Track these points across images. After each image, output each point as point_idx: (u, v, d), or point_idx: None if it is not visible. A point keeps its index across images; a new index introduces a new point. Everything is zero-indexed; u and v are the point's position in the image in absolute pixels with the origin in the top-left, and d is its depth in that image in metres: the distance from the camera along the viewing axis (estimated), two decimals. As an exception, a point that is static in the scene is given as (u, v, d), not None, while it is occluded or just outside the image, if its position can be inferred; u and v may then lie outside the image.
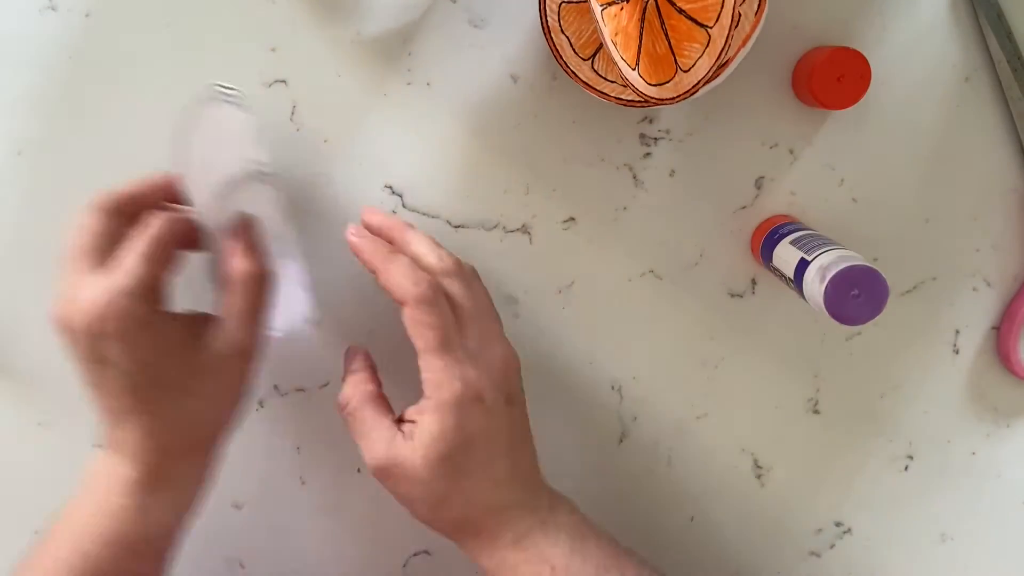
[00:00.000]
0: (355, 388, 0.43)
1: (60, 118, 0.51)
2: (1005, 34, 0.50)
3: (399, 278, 0.41)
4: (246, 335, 0.42)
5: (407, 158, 0.51)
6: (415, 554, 0.56)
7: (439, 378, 0.40)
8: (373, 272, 0.42)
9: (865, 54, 0.48)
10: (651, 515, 0.56)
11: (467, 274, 0.44)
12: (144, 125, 0.51)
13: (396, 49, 0.50)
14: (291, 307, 0.46)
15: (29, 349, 0.53)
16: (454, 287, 0.43)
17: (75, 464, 0.54)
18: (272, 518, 0.44)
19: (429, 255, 0.43)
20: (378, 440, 0.41)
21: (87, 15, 0.50)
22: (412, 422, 0.41)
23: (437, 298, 0.40)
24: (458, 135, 0.51)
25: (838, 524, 0.56)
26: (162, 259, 0.40)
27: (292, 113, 0.51)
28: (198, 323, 0.42)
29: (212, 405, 0.42)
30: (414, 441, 0.40)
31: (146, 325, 0.38)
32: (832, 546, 0.57)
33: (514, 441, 0.43)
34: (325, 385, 0.53)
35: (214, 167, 0.41)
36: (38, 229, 0.52)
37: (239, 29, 0.50)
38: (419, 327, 0.40)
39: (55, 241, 0.52)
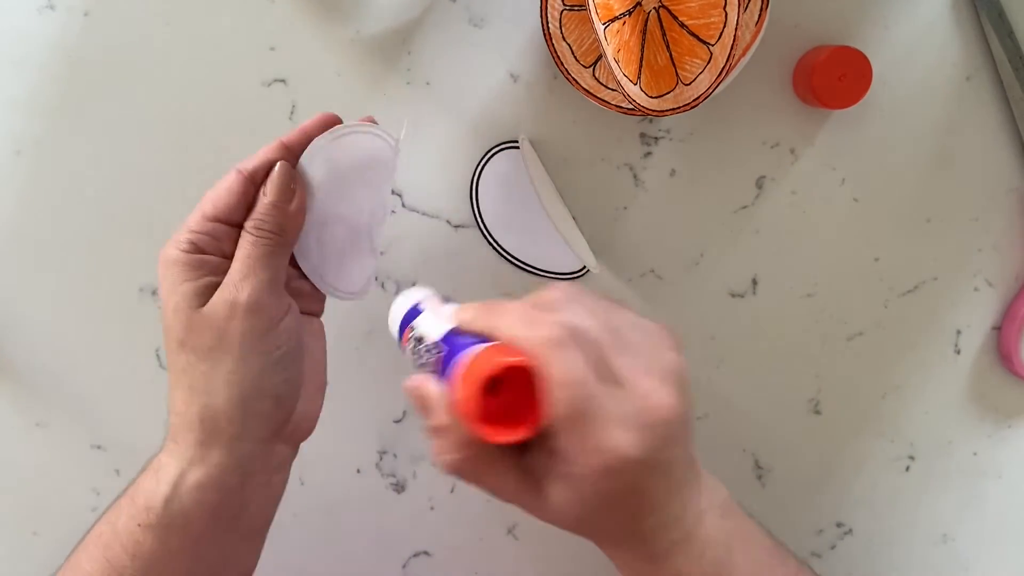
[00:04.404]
0: (451, 436, 0.34)
1: (59, 117, 0.51)
2: (1007, 33, 0.50)
3: (512, 328, 0.33)
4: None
5: (407, 158, 0.51)
6: (415, 554, 0.56)
7: (571, 451, 0.32)
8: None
9: (866, 53, 0.48)
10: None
11: (592, 295, 0.37)
12: (143, 124, 0.51)
13: (395, 49, 0.50)
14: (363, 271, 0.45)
15: (29, 349, 0.53)
16: (585, 318, 0.34)
17: (74, 464, 0.54)
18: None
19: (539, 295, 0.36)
20: (511, 495, 0.35)
21: (86, 14, 0.50)
22: (542, 472, 0.34)
23: (565, 340, 0.32)
24: (458, 134, 0.51)
25: (839, 525, 0.56)
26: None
27: (291, 113, 0.51)
28: None
29: None
30: (548, 502, 0.34)
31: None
32: (833, 547, 0.56)
33: (672, 477, 0.35)
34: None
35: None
36: (37, 229, 0.52)
37: (238, 29, 0.50)
38: (548, 387, 0.31)
39: (54, 241, 0.52)
